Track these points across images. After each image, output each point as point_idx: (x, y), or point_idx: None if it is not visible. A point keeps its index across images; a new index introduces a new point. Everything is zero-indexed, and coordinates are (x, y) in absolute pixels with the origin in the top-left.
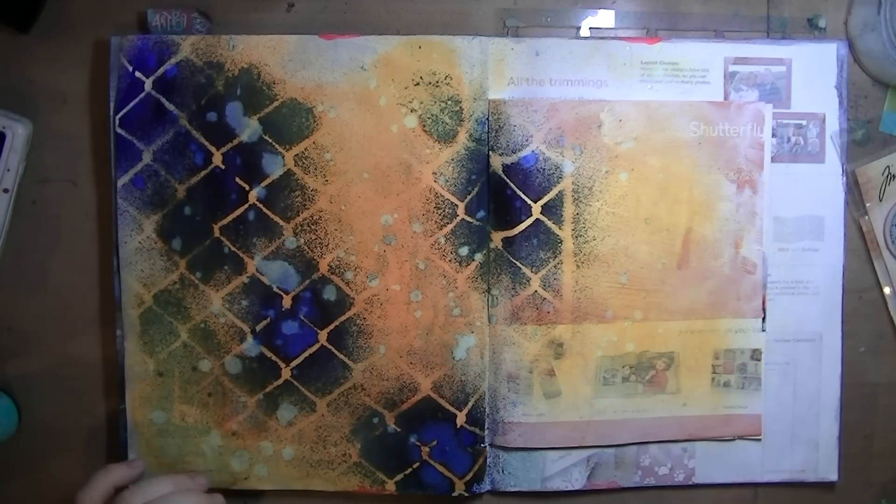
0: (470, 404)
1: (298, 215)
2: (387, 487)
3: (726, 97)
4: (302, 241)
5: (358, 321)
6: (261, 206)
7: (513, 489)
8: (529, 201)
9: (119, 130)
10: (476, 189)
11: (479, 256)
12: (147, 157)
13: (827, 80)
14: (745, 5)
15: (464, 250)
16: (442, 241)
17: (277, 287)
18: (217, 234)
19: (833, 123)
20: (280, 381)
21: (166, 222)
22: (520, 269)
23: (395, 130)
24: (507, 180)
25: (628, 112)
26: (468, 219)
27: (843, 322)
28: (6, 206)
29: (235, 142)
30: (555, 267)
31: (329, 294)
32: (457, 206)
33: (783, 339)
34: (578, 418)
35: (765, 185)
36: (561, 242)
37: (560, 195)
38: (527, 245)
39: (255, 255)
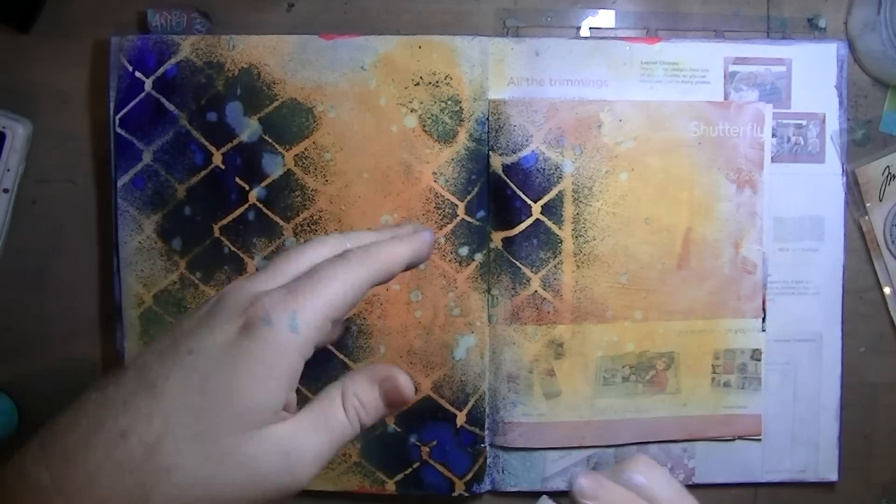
0: (470, 404)
1: (298, 215)
2: (387, 487)
3: (726, 97)
4: (302, 241)
5: (358, 321)
6: (261, 206)
7: (513, 489)
8: (529, 201)
9: (119, 130)
10: (476, 189)
11: (479, 256)
12: (147, 157)
13: (827, 80)
14: (745, 5)
15: (464, 250)
16: (442, 241)
17: None
18: (217, 234)
19: (833, 123)
20: None
21: (166, 222)
22: (520, 269)
23: (395, 130)
24: (507, 180)
25: (628, 112)
26: (468, 219)
27: (843, 322)
28: (6, 206)
29: (235, 142)
30: (555, 267)
31: None
32: (457, 206)
33: (783, 339)
34: (578, 418)
35: (765, 185)
36: (561, 242)
37: (560, 195)
38: (527, 245)
39: (256, 255)
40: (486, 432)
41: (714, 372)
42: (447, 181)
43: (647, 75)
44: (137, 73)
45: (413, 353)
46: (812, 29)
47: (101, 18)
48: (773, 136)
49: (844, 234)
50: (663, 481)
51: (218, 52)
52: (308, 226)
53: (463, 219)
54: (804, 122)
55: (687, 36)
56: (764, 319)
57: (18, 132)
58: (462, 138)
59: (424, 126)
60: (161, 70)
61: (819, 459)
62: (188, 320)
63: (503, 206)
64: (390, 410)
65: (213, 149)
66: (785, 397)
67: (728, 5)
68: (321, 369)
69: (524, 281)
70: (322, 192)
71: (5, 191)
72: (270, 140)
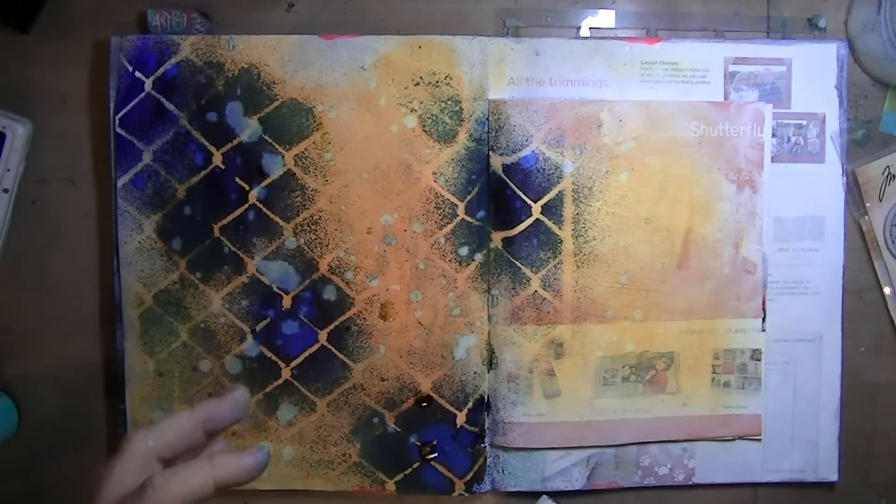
0: (470, 404)
1: (298, 215)
2: (387, 487)
3: (726, 97)
4: (302, 241)
5: (358, 321)
6: (261, 206)
7: (513, 489)
8: (529, 201)
9: (119, 130)
10: (476, 189)
11: (479, 256)
12: (147, 157)
13: (827, 80)
14: (745, 5)
15: (464, 250)
16: (442, 241)
17: (277, 287)
18: (217, 234)
19: (833, 123)
20: (280, 381)
21: (166, 222)
22: (520, 269)
23: (395, 130)
24: (507, 180)
25: (628, 112)
26: (468, 219)
27: (843, 322)
28: (6, 206)
29: (235, 142)
30: (555, 267)
31: (329, 294)
32: (457, 206)
33: (783, 339)
34: (578, 418)
35: (765, 185)
36: (561, 242)
37: (560, 195)
38: (527, 245)
39: (255, 255)
40: (486, 432)
41: (714, 372)
42: (447, 181)
43: (647, 75)
44: (137, 73)
45: (413, 353)
46: (812, 29)
47: (101, 18)
48: (773, 136)
49: (844, 234)
50: None
51: (218, 52)
52: (308, 226)
53: (463, 219)
54: (804, 122)
55: (687, 36)
56: (764, 319)
57: (18, 132)
58: (462, 138)
59: (424, 126)
60: (161, 70)
61: (819, 459)
62: None
63: (503, 206)
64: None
65: (213, 149)
66: (785, 397)
67: (728, 5)
68: (321, 369)
69: (524, 281)
70: (322, 192)
71: (5, 191)
72: (270, 140)
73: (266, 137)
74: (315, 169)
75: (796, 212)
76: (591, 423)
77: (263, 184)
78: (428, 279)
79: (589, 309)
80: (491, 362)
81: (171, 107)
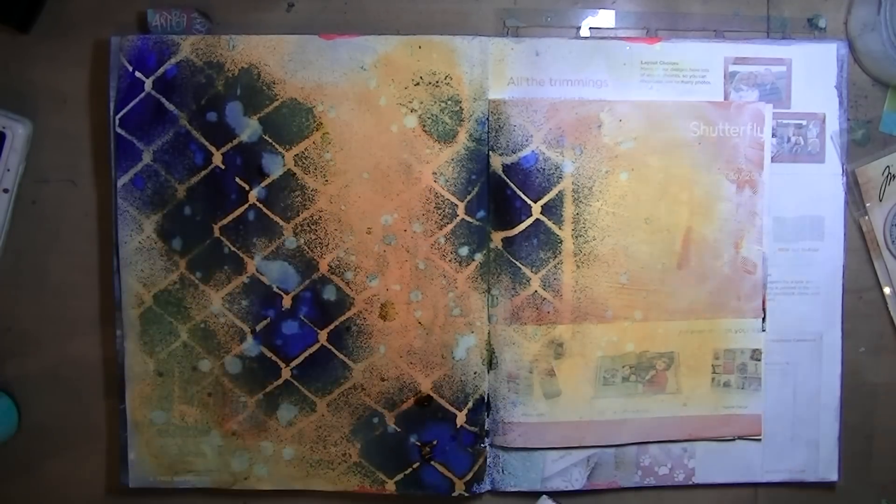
0: (470, 404)
1: (298, 215)
2: (387, 487)
3: (726, 97)
4: (302, 241)
5: (358, 321)
6: (261, 206)
7: (513, 489)
8: (529, 201)
9: (119, 130)
10: (476, 189)
11: (479, 256)
12: (147, 157)
13: (827, 80)
14: (745, 5)
15: (464, 250)
16: (442, 241)
17: (277, 287)
18: (217, 234)
19: (833, 123)
20: (280, 381)
21: (166, 222)
22: (520, 269)
23: (395, 130)
24: (507, 180)
25: (628, 112)
26: (468, 219)
27: (843, 322)
28: (6, 206)
29: (235, 142)
30: (555, 267)
31: (329, 294)
32: (457, 206)
33: (783, 339)
34: (578, 418)
35: (765, 185)
36: (561, 242)
37: (560, 195)
38: (527, 245)
39: (255, 255)
40: (487, 432)
41: (714, 372)
42: (447, 181)
43: (647, 75)
44: (137, 73)
45: (413, 353)
46: (812, 29)
47: (101, 18)
48: (773, 136)
49: (844, 234)
50: None
51: (218, 52)
52: (308, 226)
53: (463, 219)
54: (804, 122)
55: (687, 36)
56: (764, 319)
57: (18, 132)
58: (462, 138)
59: (424, 126)
60: (161, 70)
61: (819, 459)
62: None
63: (503, 206)
64: None
65: (213, 149)
66: (785, 397)
67: (728, 5)
68: (321, 369)
69: (524, 281)
70: (322, 192)
71: (5, 191)
72: (270, 140)
73: (266, 137)
74: (315, 169)
75: (796, 212)
76: (591, 423)
77: (263, 184)
78: (428, 279)
79: (589, 309)
80: (491, 362)
81: (171, 107)
